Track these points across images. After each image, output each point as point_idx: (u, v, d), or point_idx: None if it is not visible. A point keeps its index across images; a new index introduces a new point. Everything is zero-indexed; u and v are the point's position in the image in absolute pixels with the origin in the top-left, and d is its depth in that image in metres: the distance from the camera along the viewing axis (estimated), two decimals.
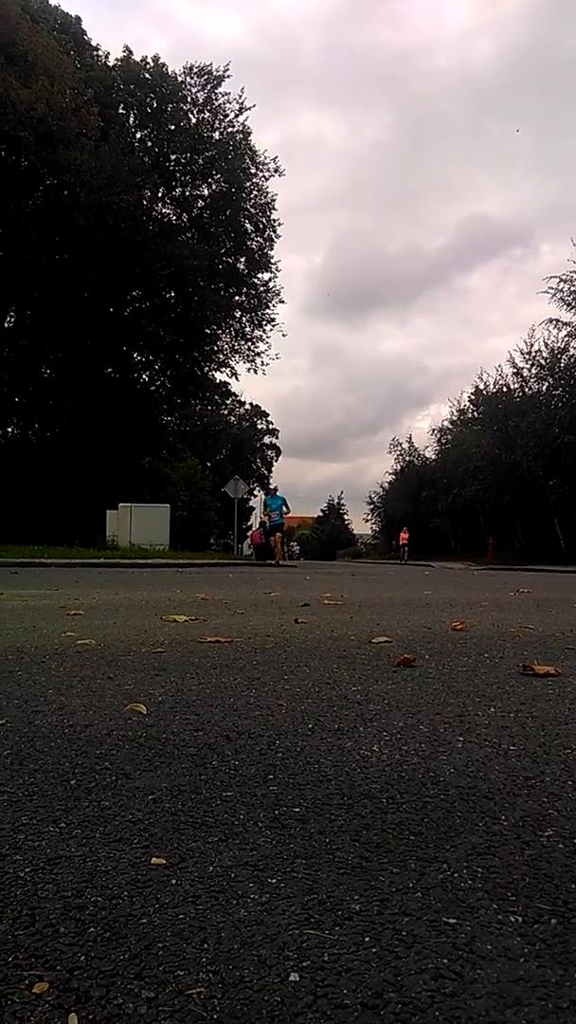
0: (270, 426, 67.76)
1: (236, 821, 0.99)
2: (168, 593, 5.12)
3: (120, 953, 0.68)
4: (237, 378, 36.90)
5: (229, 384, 43.20)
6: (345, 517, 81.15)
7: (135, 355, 32.70)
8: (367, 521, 49.52)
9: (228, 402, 56.37)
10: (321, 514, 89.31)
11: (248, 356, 35.23)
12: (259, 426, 66.74)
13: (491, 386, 33.67)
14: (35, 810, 1.04)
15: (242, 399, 63.00)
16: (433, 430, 38.65)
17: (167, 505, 19.16)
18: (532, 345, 26.72)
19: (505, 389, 31.34)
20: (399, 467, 42.09)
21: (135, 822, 0.99)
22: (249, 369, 38.96)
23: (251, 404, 63.65)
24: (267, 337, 33.54)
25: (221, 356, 35.40)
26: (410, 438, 42.74)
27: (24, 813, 1.03)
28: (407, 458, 41.61)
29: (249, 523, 63.20)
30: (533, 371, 26.80)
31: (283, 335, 48.13)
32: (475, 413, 39.08)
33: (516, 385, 29.12)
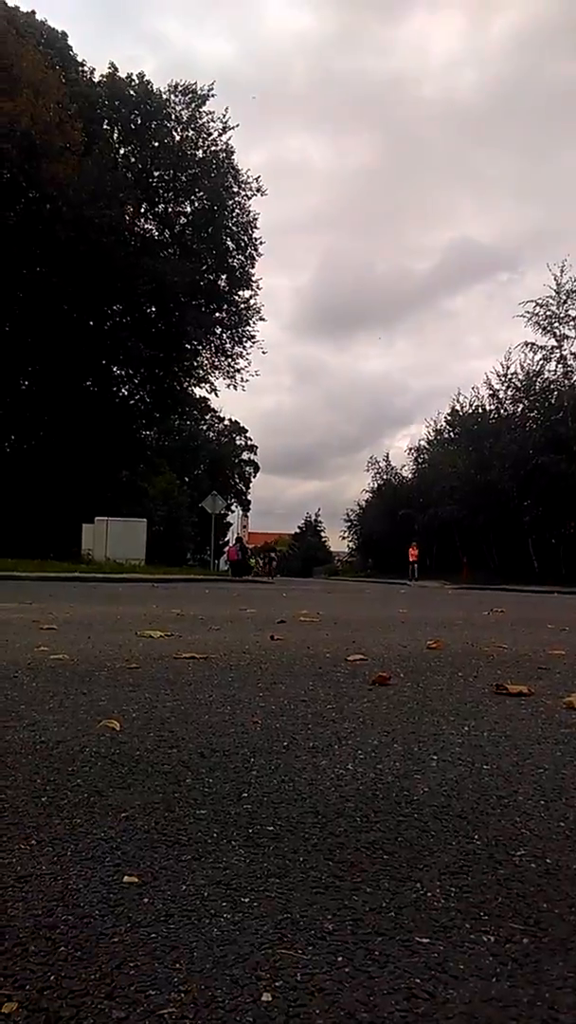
0: (249, 442, 67.85)
1: (209, 839, 0.98)
2: (144, 608, 5.08)
3: (91, 973, 0.67)
4: (216, 394, 36.84)
5: (209, 400, 43.16)
6: (322, 535, 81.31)
7: (115, 369, 32.64)
8: (344, 538, 49.60)
9: (207, 417, 56.39)
10: (298, 531, 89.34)
11: (228, 372, 35.27)
12: (238, 442, 66.80)
13: (468, 407, 34.09)
14: (6, 827, 1.02)
15: (221, 415, 62.90)
16: (410, 449, 38.87)
17: (143, 520, 19.06)
18: (508, 368, 27.11)
19: (481, 410, 31.75)
20: (376, 485, 42.30)
21: (107, 840, 0.98)
22: (229, 385, 38.85)
23: (230, 420, 63.68)
24: (247, 354, 33.64)
25: (201, 372, 35.44)
26: (387, 456, 43.05)
27: None
28: (384, 476, 41.83)
29: (226, 539, 63.13)
30: (509, 393, 27.18)
31: (263, 352, 48.16)
32: (452, 433, 39.46)
33: (492, 407, 29.51)
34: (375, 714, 1.71)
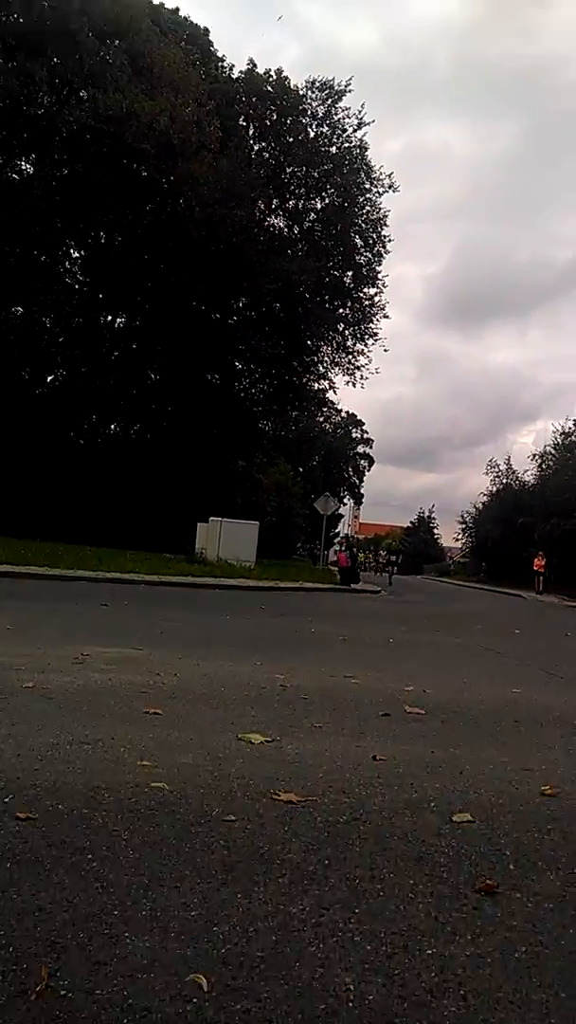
0: (365, 435, 67.50)
1: None
2: (248, 668, 5.06)
3: None
4: (335, 392, 36.82)
5: (327, 392, 43.19)
6: (435, 531, 79.72)
7: (237, 363, 33.17)
8: (457, 540, 48.38)
9: (324, 409, 56.53)
10: (411, 525, 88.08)
11: (348, 370, 35.12)
12: (354, 435, 66.56)
13: None
14: None
15: (339, 407, 62.85)
16: (534, 455, 37.20)
17: (256, 523, 19.31)
18: None
19: None
20: (495, 489, 40.85)
21: None
22: (348, 382, 38.81)
23: (347, 412, 63.51)
24: (368, 351, 33.28)
25: (322, 368, 35.44)
26: (508, 460, 41.35)
27: None
28: (504, 480, 40.33)
29: (337, 530, 63.12)
30: None
31: (385, 350, 47.79)
32: None
33: None
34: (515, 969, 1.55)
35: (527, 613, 18.90)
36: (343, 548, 20.57)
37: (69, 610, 7.89)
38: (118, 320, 31.29)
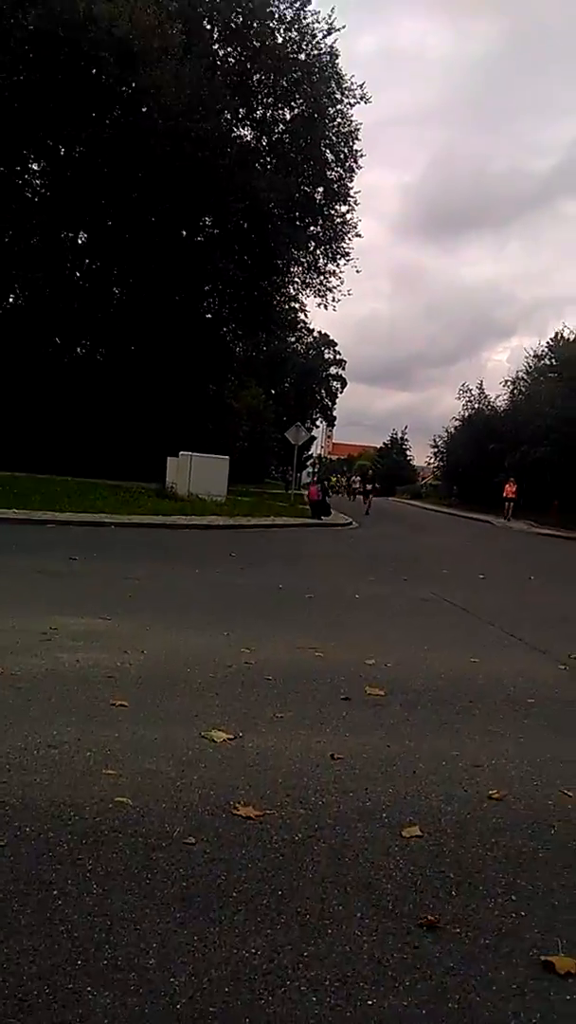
0: (337, 356, 66.60)
1: None
2: (215, 640, 5.16)
3: None
4: (306, 315, 36.00)
5: (299, 312, 42.25)
6: (408, 453, 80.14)
7: (205, 285, 32.22)
8: (430, 464, 48.79)
9: (297, 329, 55.47)
10: (384, 447, 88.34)
11: (319, 291, 34.34)
12: (326, 356, 65.61)
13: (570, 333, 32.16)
14: None
15: (311, 327, 61.66)
16: (505, 381, 37.14)
17: (226, 457, 19.25)
18: None
19: None
20: (466, 414, 40.93)
21: None
22: (320, 304, 38.04)
23: (319, 332, 62.37)
24: (340, 272, 32.48)
25: (292, 290, 34.57)
26: (481, 384, 41.04)
27: None
28: (476, 405, 40.38)
29: (309, 453, 63.01)
30: None
31: (357, 271, 46.66)
32: (551, 360, 37.52)
33: None
34: None
35: (494, 548, 19.33)
36: (314, 481, 20.62)
37: (38, 566, 7.91)
38: (80, 237, 30.02)
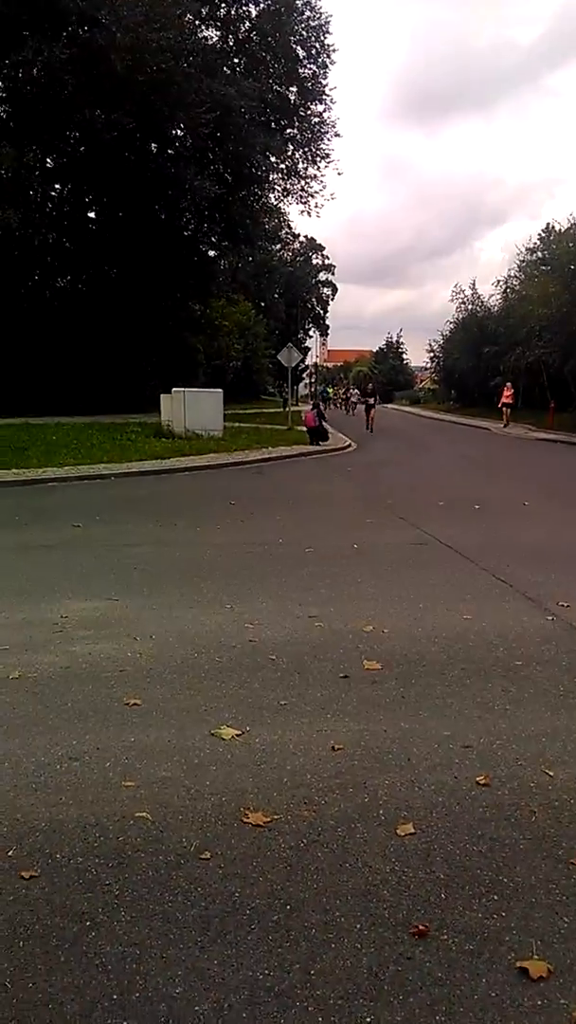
0: (326, 261, 64.58)
1: None
2: (218, 617, 5.38)
3: None
4: (290, 225, 34.80)
5: (282, 222, 40.81)
6: (404, 356, 78.79)
7: (181, 202, 31.07)
8: (427, 369, 48.17)
9: (282, 234, 53.62)
10: (380, 351, 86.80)
11: (301, 197, 33.10)
12: (314, 261, 63.60)
13: (563, 225, 31.07)
14: None
15: (296, 232, 59.40)
16: (497, 281, 36.16)
17: (219, 391, 19.12)
18: None
19: None
20: (460, 317, 40.05)
21: None
22: (302, 212, 36.82)
23: (306, 237, 60.30)
24: (321, 175, 31.24)
25: (273, 199, 33.28)
26: (473, 283, 39.78)
27: None
28: (469, 306, 39.45)
29: (305, 362, 62.02)
30: None
31: (339, 173, 44.78)
32: (543, 253, 36.44)
33: None
34: None
35: (491, 464, 19.39)
36: (312, 402, 20.48)
37: (43, 539, 8.10)
38: (47, 162, 28.72)
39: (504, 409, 28.43)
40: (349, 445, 20.94)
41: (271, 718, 3.82)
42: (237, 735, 3.64)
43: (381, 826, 2.91)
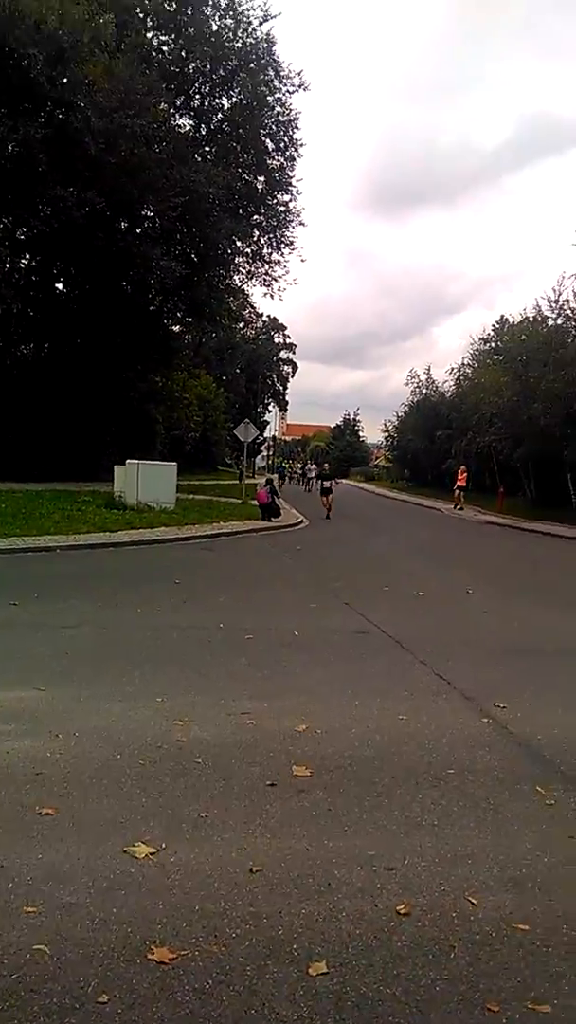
0: (287, 340, 66.38)
1: None
2: (148, 712, 5.21)
3: None
4: (253, 306, 35.84)
5: (245, 303, 41.93)
6: (360, 434, 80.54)
7: (149, 278, 31.86)
8: (381, 449, 49.26)
9: (245, 313, 54.98)
10: (337, 428, 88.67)
11: (265, 281, 34.19)
12: (276, 340, 65.35)
13: (517, 319, 32.60)
14: None
15: (260, 311, 61.09)
16: (451, 368, 37.68)
17: (174, 464, 19.23)
18: (560, 294, 25.56)
19: (530, 324, 30.31)
20: (415, 400, 41.36)
21: None
22: (266, 295, 38.02)
23: (269, 317, 62.08)
24: (285, 261, 32.42)
25: (238, 280, 34.29)
26: (428, 369, 41.43)
27: None
28: (424, 390, 40.82)
29: (263, 435, 62.80)
30: (559, 322, 25.80)
31: (302, 260, 46.50)
32: (497, 343, 38.04)
33: (542, 330, 28.18)
34: None
35: (439, 546, 19.65)
36: (264, 483, 20.69)
37: None
38: (18, 232, 29.28)
39: (457, 492, 29.12)
40: (301, 522, 21.05)
41: (190, 832, 3.65)
42: (151, 853, 3.45)
43: (293, 964, 2.75)
